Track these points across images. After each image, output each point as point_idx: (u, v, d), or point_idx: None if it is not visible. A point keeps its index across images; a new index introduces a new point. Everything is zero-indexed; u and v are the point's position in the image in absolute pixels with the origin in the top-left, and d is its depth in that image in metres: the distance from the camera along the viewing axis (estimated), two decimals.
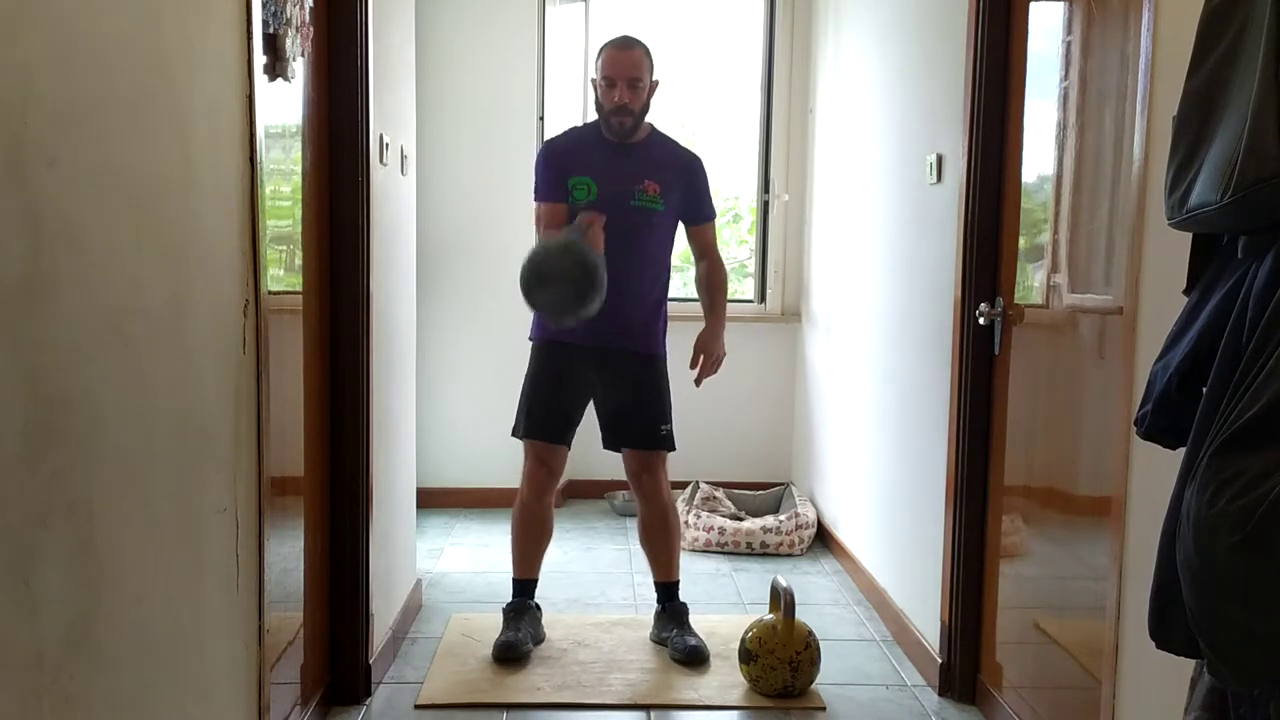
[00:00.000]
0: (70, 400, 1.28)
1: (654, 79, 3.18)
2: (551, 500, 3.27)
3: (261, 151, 1.88)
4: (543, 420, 3.19)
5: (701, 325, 3.34)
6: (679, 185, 3.21)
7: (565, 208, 3.14)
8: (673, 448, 3.25)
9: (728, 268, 3.47)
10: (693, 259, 3.40)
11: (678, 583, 3.31)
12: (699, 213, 3.29)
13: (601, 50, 3.20)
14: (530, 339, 3.25)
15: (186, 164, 1.61)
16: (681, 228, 3.29)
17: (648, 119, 3.22)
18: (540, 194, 3.21)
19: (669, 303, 3.29)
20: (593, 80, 3.22)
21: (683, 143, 3.35)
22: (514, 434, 3.23)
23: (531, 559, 3.27)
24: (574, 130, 3.44)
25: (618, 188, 3.13)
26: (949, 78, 2.99)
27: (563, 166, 3.17)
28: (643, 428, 3.21)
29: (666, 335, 3.27)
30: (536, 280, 2.88)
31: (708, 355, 3.32)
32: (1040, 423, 2.60)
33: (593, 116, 3.30)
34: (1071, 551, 2.45)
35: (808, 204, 4.92)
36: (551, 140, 3.39)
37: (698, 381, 3.35)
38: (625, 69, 3.12)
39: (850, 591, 3.84)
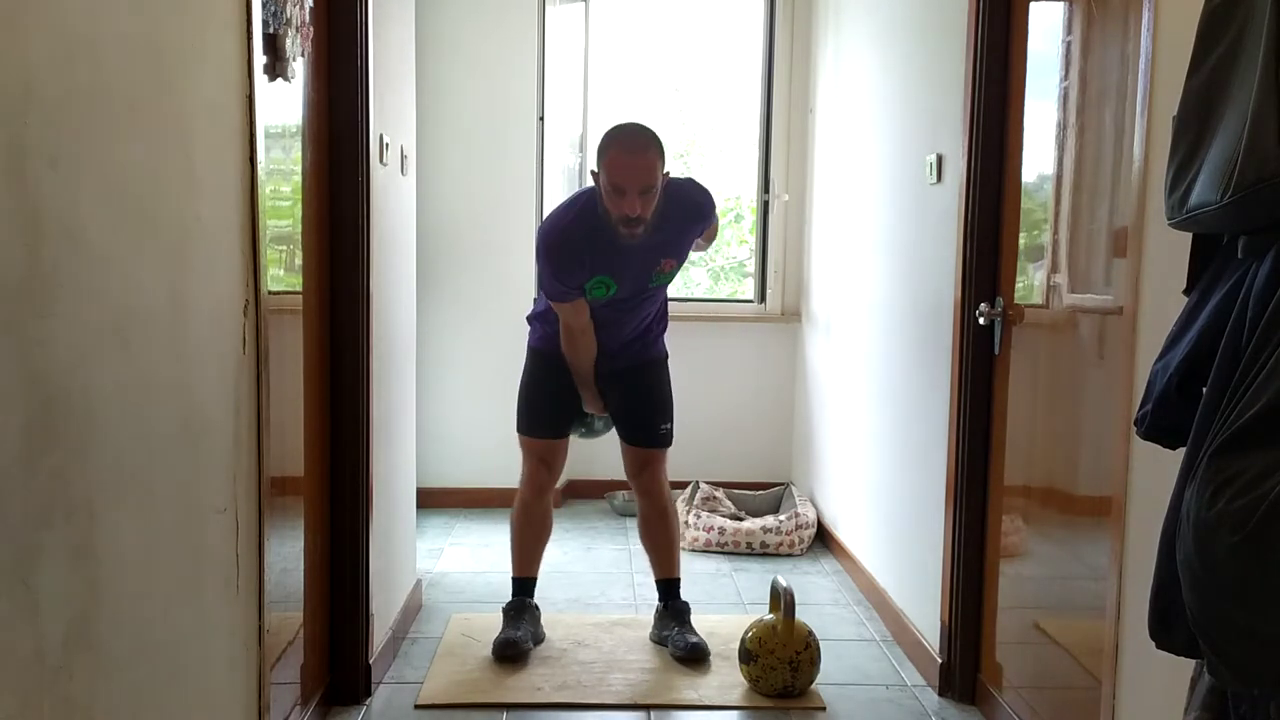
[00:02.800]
0: (70, 400, 1.28)
1: (665, 171, 2.88)
2: (551, 499, 3.29)
3: (261, 151, 1.88)
4: (543, 418, 3.21)
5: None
6: (692, 236, 3.11)
7: (585, 304, 2.99)
8: (670, 443, 3.25)
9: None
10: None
11: (679, 580, 3.30)
12: (706, 228, 3.19)
13: (607, 148, 2.83)
14: (531, 347, 3.24)
15: (186, 164, 1.61)
16: None
17: None
18: (556, 297, 2.97)
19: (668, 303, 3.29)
20: (593, 173, 2.90)
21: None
22: (517, 429, 3.25)
23: (531, 557, 3.28)
24: (579, 219, 2.95)
25: (637, 280, 3.02)
26: (949, 78, 2.99)
27: (578, 270, 2.91)
28: (643, 426, 3.21)
29: (665, 334, 3.27)
30: None
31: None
32: (1040, 423, 2.60)
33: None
34: (1071, 551, 2.45)
35: (808, 204, 4.92)
36: (556, 235, 2.95)
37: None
38: (637, 177, 2.77)
39: (850, 591, 3.84)
